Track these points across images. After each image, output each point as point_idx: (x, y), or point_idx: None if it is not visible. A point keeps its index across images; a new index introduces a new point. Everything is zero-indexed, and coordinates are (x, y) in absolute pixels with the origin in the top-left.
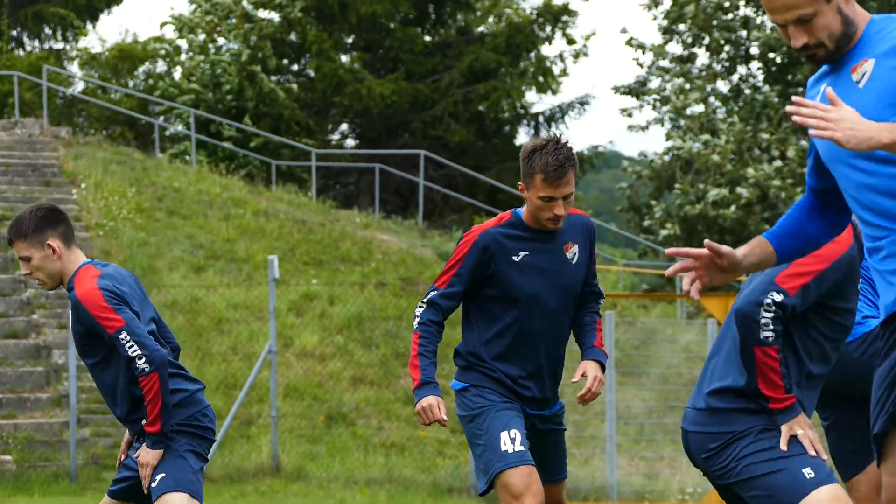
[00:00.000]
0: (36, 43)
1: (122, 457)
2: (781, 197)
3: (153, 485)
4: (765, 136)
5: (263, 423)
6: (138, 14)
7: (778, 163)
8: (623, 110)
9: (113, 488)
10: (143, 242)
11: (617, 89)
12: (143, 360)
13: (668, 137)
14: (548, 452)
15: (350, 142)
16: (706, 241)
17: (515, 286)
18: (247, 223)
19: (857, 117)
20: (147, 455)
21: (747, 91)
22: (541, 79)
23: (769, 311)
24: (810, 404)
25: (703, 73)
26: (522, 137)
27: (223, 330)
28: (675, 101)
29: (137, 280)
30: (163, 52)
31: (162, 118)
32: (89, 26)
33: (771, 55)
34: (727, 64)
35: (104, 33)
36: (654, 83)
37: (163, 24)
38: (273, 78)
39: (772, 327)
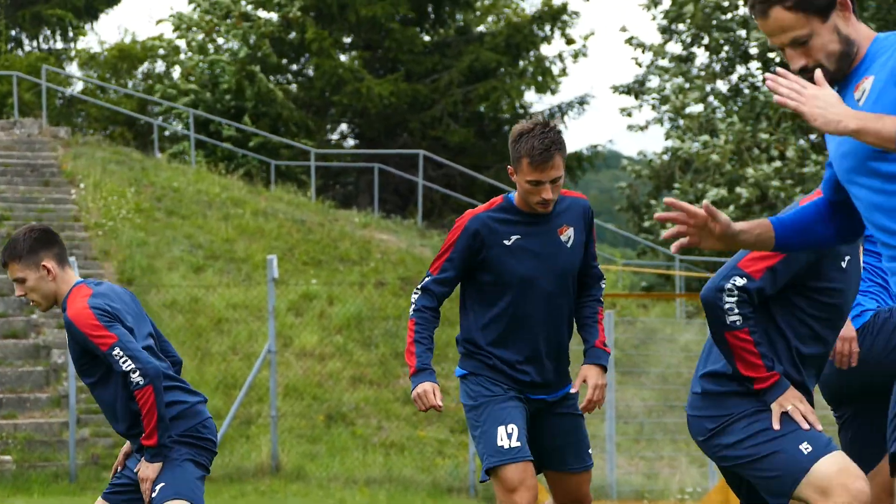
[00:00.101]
0: (35, 43)
1: (119, 467)
2: (781, 197)
3: (154, 496)
4: (764, 136)
5: (263, 423)
6: (137, 14)
7: (777, 163)
8: (622, 110)
9: (108, 492)
10: (143, 242)
11: (616, 88)
12: (137, 373)
13: (668, 137)
14: (562, 439)
15: (349, 141)
16: (705, 202)
17: (508, 270)
18: (246, 223)
19: (834, 100)
20: (146, 469)
21: (746, 91)
22: (540, 78)
23: (732, 296)
24: (811, 382)
25: (703, 73)
26: None
27: (222, 330)
28: (674, 101)
29: (134, 297)
30: (161, 51)
31: (161, 118)
32: (88, 26)
33: (770, 55)
34: (726, 63)
35: (103, 33)
36: (654, 82)
37: (159, 21)
38: (272, 78)
39: (737, 311)
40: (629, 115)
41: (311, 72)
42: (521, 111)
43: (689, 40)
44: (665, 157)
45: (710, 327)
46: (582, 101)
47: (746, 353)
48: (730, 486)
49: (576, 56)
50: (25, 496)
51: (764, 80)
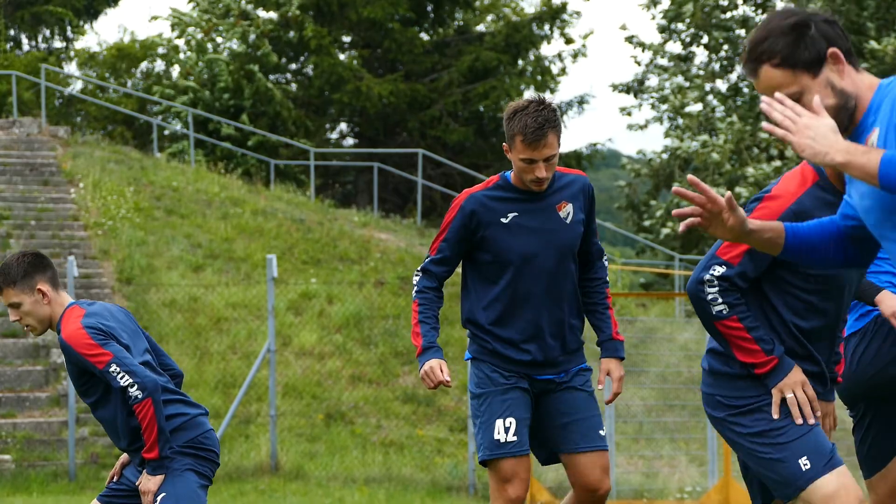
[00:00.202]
0: (34, 43)
1: (116, 476)
2: None
3: None
4: (764, 135)
5: (262, 422)
6: (137, 14)
7: (777, 162)
8: (622, 109)
9: (105, 495)
10: (142, 241)
11: (615, 87)
12: (135, 387)
13: (667, 136)
14: (570, 416)
15: (348, 141)
16: (728, 193)
17: (507, 248)
18: (245, 222)
19: (826, 130)
20: (148, 482)
21: (746, 90)
22: (539, 78)
23: (713, 286)
24: (824, 353)
25: (702, 72)
26: None
27: (222, 329)
28: (673, 101)
29: (128, 314)
30: (161, 49)
31: (160, 117)
32: (88, 26)
33: None
34: (725, 63)
35: (103, 33)
36: (653, 81)
37: (153, 18)
38: (271, 77)
39: (721, 300)
40: (629, 114)
41: (310, 71)
42: None
43: (688, 39)
44: (664, 157)
45: (700, 320)
46: (581, 101)
47: (740, 339)
48: (740, 464)
49: (575, 56)
50: (25, 495)
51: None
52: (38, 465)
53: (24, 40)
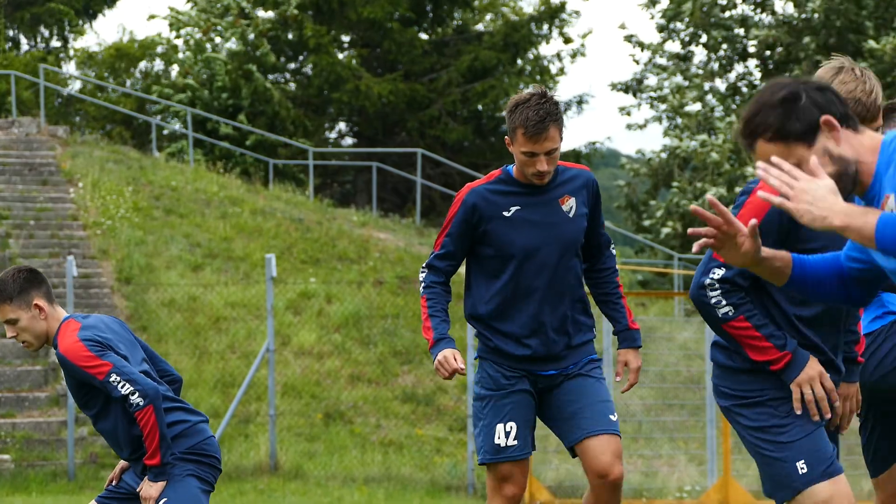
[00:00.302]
0: (32, 42)
1: (115, 481)
2: None
3: None
4: None
5: (261, 422)
6: (136, 14)
7: None
8: (621, 109)
9: (104, 496)
10: (141, 241)
11: (614, 86)
12: (137, 394)
13: (666, 135)
14: (577, 404)
15: (347, 140)
16: (754, 220)
17: (509, 242)
18: (244, 222)
19: (824, 192)
20: (150, 489)
21: (745, 89)
22: (538, 77)
23: (714, 290)
24: (830, 340)
25: (701, 72)
26: None
27: (221, 328)
28: (671, 100)
29: (123, 325)
30: (159, 48)
31: (159, 117)
32: (87, 26)
33: (768, 53)
34: (724, 62)
35: (102, 32)
36: (652, 81)
37: (151, 17)
38: (270, 76)
39: (725, 302)
40: (628, 113)
41: (309, 70)
42: None
43: (687, 39)
44: (663, 156)
45: (708, 324)
46: (580, 101)
47: (750, 339)
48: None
49: (574, 55)
50: (24, 495)
51: (762, 79)
52: (38, 464)
53: (23, 40)
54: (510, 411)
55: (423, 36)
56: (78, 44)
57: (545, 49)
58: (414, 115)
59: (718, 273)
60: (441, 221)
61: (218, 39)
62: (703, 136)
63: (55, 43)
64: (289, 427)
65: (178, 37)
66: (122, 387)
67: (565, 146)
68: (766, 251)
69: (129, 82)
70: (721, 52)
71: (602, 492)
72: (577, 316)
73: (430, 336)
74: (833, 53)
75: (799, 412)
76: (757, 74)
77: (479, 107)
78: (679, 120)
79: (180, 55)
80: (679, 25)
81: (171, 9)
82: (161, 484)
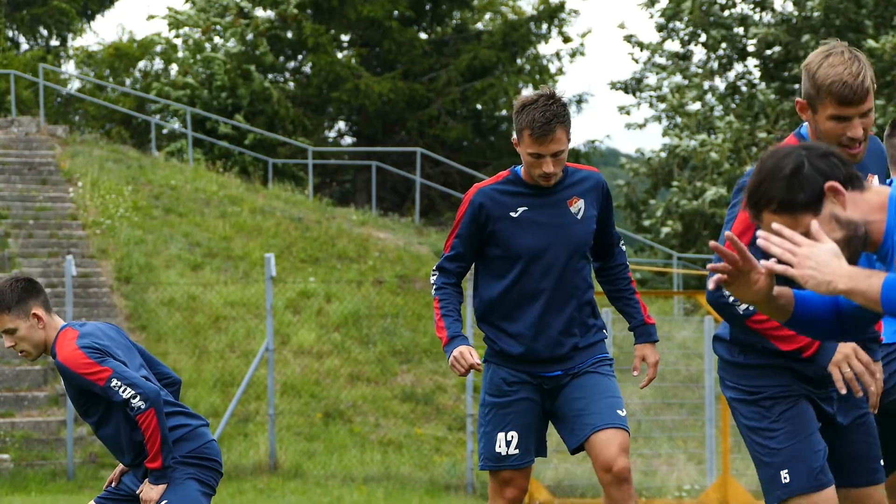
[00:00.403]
0: (32, 43)
1: (115, 483)
2: None
3: None
4: (762, 134)
5: (261, 421)
6: (135, 13)
7: None
8: (620, 108)
9: (103, 497)
10: (140, 240)
11: (613, 85)
12: (138, 398)
13: (665, 134)
14: (584, 401)
15: (347, 139)
16: (768, 263)
17: (516, 242)
18: (243, 221)
19: (827, 257)
20: (150, 491)
21: (744, 88)
22: (537, 77)
23: None
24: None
25: (700, 71)
26: None
27: (220, 328)
28: (671, 99)
29: (119, 330)
30: (159, 47)
31: (158, 116)
32: (86, 26)
33: (767, 52)
34: (724, 61)
35: (102, 32)
36: (651, 80)
37: (150, 17)
38: (270, 76)
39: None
40: (627, 113)
41: (308, 69)
42: None
43: (686, 38)
44: (663, 155)
45: (730, 324)
46: (580, 100)
47: (775, 330)
48: None
49: (573, 54)
50: (23, 494)
51: (761, 78)
52: (37, 464)
53: (23, 40)
54: (511, 420)
55: (423, 35)
56: (77, 43)
57: (544, 48)
58: (413, 114)
59: None
60: (440, 220)
61: (217, 39)
62: (703, 136)
63: (54, 42)
64: (288, 426)
65: (177, 36)
66: (123, 391)
67: None
68: (776, 288)
69: (128, 81)
70: (720, 52)
71: (611, 489)
72: (585, 318)
73: (443, 335)
74: (831, 40)
75: (843, 391)
76: (756, 73)
77: (479, 106)
78: (678, 119)
79: (179, 54)
80: (678, 24)
81: (170, 9)
82: (161, 487)
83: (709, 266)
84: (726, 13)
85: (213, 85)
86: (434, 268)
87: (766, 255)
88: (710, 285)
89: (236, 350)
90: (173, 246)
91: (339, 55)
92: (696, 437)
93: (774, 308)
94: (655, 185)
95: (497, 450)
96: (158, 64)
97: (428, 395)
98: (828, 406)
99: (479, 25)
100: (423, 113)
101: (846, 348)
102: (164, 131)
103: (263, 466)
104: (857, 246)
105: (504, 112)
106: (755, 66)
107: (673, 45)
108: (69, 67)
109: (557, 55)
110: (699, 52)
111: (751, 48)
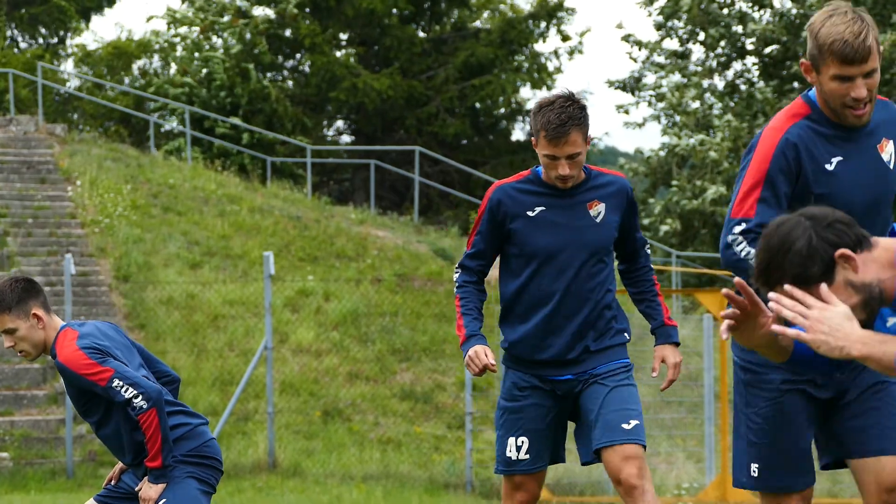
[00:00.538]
0: (31, 42)
1: (114, 481)
2: None
3: None
4: None
5: (260, 420)
6: (134, 13)
7: None
8: (619, 107)
9: (102, 495)
10: (139, 239)
11: (612, 83)
12: (140, 397)
13: (664, 133)
14: (595, 413)
15: (345, 138)
16: (779, 328)
17: (531, 241)
18: (242, 219)
19: (839, 320)
20: (149, 490)
21: (743, 87)
22: (536, 75)
23: (739, 244)
24: None
25: (699, 69)
26: (517, 133)
27: (219, 326)
28: (670, 98)
29: (118, 330)
30: (157, 46)
31: (157, 115)
32: (85, 25)
33: (766, 50)
34: (723, 59)
35: (100, 31)
36: (650, 79)
37: (149, 18)
38: (269, 75)
39: (754, 253)
40: (626, 112)
41: (306, 68)
42: (517, 107)
43: (685, 36)
44: (662, 154)
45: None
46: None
47: None
48: None
49: (571, 53)
50: (22, 493)
51: (760, 76)
52: (36, 462)
53: (22, 40)
54: (522, 426)
55: (421, 33)
56: (76, 42)
57: (543, 46)
58: (412, 112)
59: (740, 227)
60: (439, 219)
61: (216, 38)
62: (702, 135)
63: (53, 41)
64: (287, 425)
65: (175, 35)
66: (125, 391)
67: None
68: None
69: (126, 80)
70: (719, 50)
71: (625, 498)
72: (601, 322)
73: (461, 333)
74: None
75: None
76: (755, 72)
77: (477, 104)
78: (677, 118)
79: (178, 53)
80: (677, 23)
81: (169, 8)
82: (161, 486)
83: (723, 313)
84: (725, 11)
85: (212, 84)
86: (456, 265)
87: (783, 190)
88: (724, 335)
89: (235, 349)
90: (172, 244)
91: (338, 54)
92: (696, 435)
93: (777, 350)
94: (654, 184)
95: (508, 454)
96: (157, 63)
97: (427, 393)
98: (823, 393)
99: (478, 23)
100: (422, 111)
101: None
102: (163, 130)
103: (262, 465)
104: (874, 306)
105: (502, 110)
106: (754, 64)
107: (671, 44)
108: (68, 66)
109: (556, 53)
110: (698, 51)
111: (750, 46)
